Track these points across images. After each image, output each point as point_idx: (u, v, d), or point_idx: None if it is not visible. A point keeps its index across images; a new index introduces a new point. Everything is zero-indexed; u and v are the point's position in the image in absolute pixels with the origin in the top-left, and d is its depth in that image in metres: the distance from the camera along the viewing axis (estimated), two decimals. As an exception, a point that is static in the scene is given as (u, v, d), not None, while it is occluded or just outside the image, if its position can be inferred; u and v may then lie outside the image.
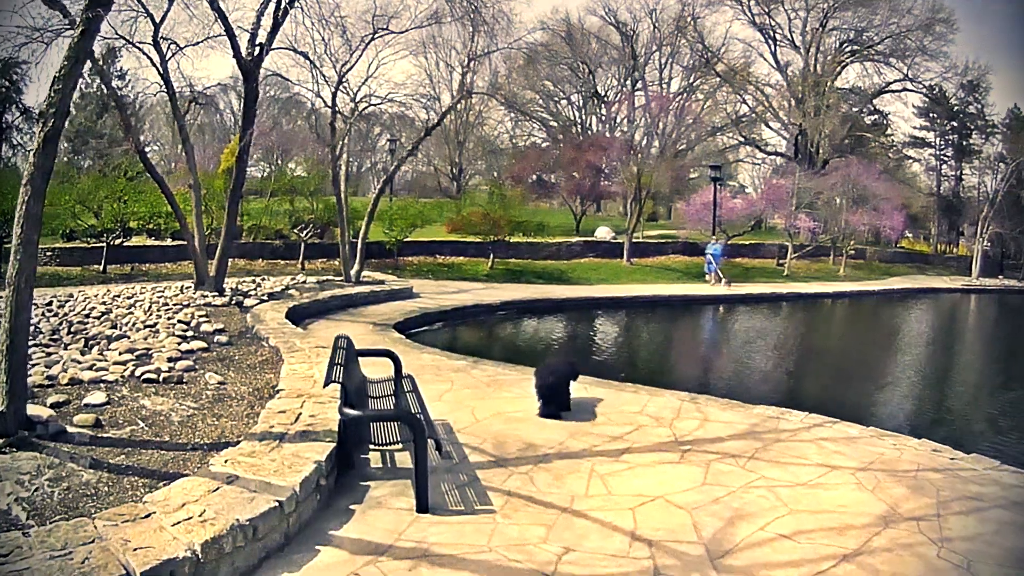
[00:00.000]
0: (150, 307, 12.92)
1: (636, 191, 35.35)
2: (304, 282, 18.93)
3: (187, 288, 15.81)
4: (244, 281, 18.32)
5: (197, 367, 8.57)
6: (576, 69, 55.24)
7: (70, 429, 6.08)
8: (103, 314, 12.15)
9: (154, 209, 20.96)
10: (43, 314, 12.05)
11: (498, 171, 54.98)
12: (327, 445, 5.54)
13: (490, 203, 30.78)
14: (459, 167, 55.77)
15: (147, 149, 47.81)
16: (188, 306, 13.34)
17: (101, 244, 20.75)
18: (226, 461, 5.16)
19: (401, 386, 6.68)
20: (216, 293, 15.07)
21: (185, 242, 16.32)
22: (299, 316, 14.67)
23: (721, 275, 29.24)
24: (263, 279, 19.33)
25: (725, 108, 55.32)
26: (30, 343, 9.56)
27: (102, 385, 7.47)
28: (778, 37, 52.99)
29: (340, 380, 5.36)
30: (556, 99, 57.64)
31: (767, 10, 52.09)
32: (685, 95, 51.07)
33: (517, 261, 29.85)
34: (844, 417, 8.14)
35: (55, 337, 10.07)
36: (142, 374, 7.86)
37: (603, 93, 56.59)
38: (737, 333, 20.30)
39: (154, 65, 15.20)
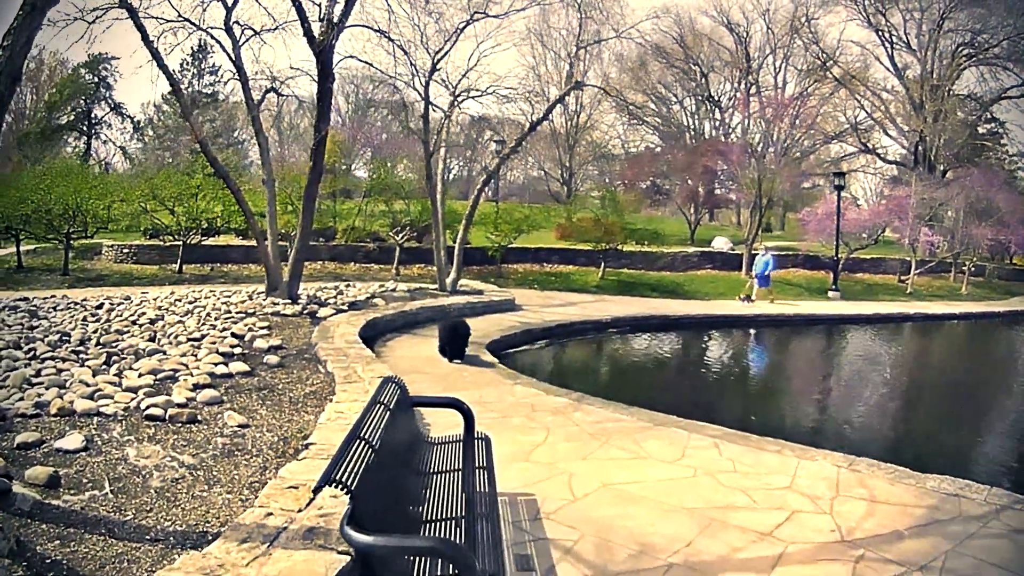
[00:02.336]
0: (207, 315, 11.33)
1: (757, 198, 32.61)
2: (394, 290, 17.15)
3: (258, 294, 14.24)
4: (326, 288, 16.62)
5: (225, 399, 6.79)
6: (688, 72, 52.78)
7: (16, 488, 4.44)
8: (152, 321, 10.63)
9: (232, 207, 19.68)
10: (83, 319, 10.65)
11: (609, 176, 53.02)
12: (338, 559, 3.48)
13: (602, 208, 28.58)
14: (569, 171, 53.90)
15: (242, 146, 48.10)
16: (252, 315, 11.73)
17: (179, 243, 19.67)
18: (173, 586, 3.19)
19: (471, 456, 4.51)
20: (288, 300, 13.36)
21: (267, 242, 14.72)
22: (380, 330, 12.86)
23: (752, 294, 24.27)
24: (348, 285, 17.66)
25: (843, 113, 51.94)
26: (47, 355, 8.08)
27: (94, 420, 5.85)
28: (894, 39, 49.53)
29: (347, 483, 2.91)
30: (668, 103, 55.31)
31: (883, 10, 48.44)
32: (800, 100, 47.99)
33: (630, 272, 27.42)
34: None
35: (79, 348, 8.53)
36: (147, 407, 6.13)
37: (716, 97, 53.86)
38: (872, 362, 17.13)
39: (225, 51, 13.99)
